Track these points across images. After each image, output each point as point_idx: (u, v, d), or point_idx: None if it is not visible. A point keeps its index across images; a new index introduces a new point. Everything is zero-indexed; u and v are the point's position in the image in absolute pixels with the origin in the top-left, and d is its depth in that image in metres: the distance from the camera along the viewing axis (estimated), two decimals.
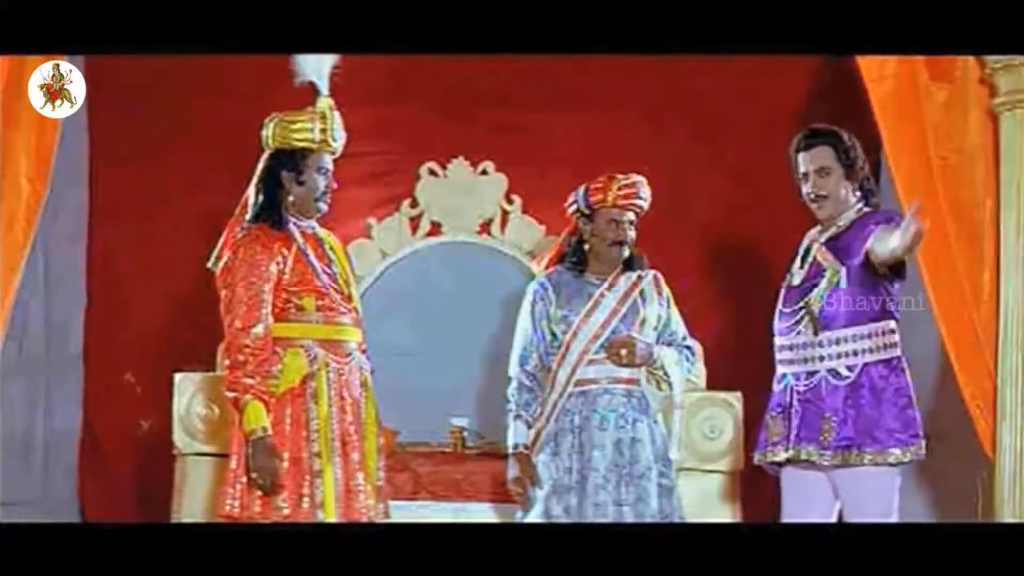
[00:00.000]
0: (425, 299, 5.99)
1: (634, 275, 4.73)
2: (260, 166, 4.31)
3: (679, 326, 4.77)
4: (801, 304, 4.31)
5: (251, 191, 4.31)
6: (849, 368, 4.24)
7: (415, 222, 6.14)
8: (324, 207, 4.33)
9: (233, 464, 4.16)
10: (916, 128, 4.93)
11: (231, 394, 4.11)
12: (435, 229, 6.13)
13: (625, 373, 4.62)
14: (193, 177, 6.06)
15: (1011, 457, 4.84)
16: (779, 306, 4.41)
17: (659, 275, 4.78)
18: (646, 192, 4.70)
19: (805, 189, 4.35)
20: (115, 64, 5.64)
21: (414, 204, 6.14)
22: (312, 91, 4.33)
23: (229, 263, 4.20)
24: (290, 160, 4.27)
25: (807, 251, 4.39)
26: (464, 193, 6.12)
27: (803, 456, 4.26)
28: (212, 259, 4.31)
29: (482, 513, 5.12)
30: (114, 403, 6.15)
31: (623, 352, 4.59)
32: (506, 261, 6.00)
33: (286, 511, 4.09)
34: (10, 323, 5.10)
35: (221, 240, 4.31)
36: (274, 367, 4.14)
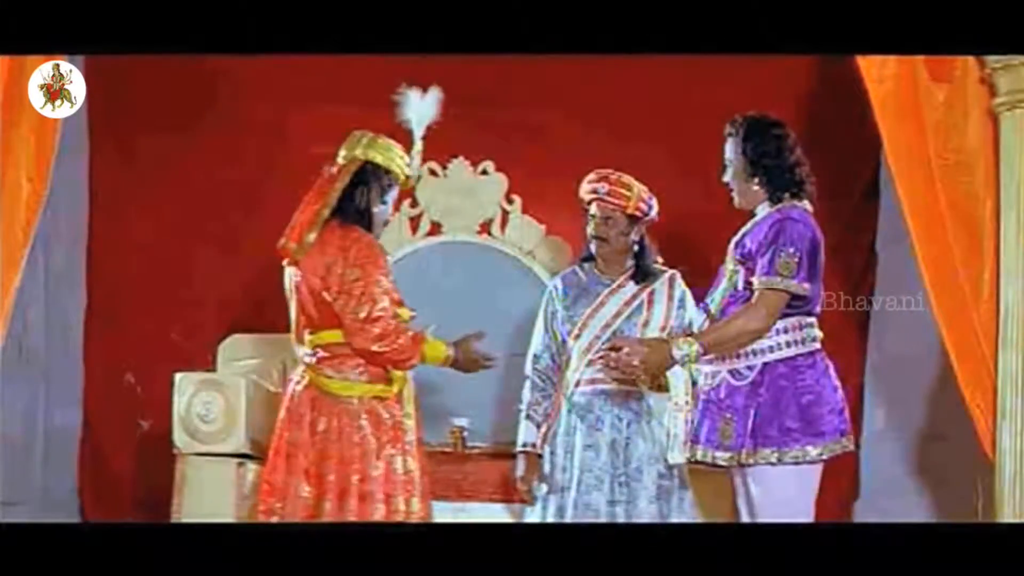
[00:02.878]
0: (425, 299, 5.96)
1: (648, 278, 4.71)
2: (351, 170, 4.35)
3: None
4: (702, 304, 4.30)
5: (338, 190, 4.32)
6: (749, 368, 4.15)
7: (415, 222, 6.14)
8: (380, 235, 4.45)
9: (276, 470, 4.26)
10: (916, 128, 4.92)
11: (407, 361, 4.27)
12: (435, 229, 6.14)
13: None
14: (193, 177, 6.06)
15: (1011, 457, 4.82)
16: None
17: (676, 275, 4.76)
18: (628, 191, 4.69)
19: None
20: (115, 64, 5.63)
21: (414, 204, 6.14)
22: (407, 134, 4.49)
23: (363, 247, 4.26)
24: (383, 177, 4.38)
25: None
26: (464, 193, 6.12)
27: (699, 457, 4.20)
28: (284, 240, 4.32)
29: (482, 513, 5.12)
30: (114, 403, 6.15)
31: (612, 355, 4.57)
32: (506, 261, 6.00)
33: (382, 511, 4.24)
34: (10, 323, 5.10)
35: (296, 220, 4.32)
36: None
